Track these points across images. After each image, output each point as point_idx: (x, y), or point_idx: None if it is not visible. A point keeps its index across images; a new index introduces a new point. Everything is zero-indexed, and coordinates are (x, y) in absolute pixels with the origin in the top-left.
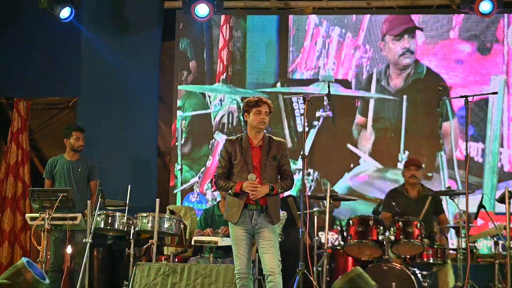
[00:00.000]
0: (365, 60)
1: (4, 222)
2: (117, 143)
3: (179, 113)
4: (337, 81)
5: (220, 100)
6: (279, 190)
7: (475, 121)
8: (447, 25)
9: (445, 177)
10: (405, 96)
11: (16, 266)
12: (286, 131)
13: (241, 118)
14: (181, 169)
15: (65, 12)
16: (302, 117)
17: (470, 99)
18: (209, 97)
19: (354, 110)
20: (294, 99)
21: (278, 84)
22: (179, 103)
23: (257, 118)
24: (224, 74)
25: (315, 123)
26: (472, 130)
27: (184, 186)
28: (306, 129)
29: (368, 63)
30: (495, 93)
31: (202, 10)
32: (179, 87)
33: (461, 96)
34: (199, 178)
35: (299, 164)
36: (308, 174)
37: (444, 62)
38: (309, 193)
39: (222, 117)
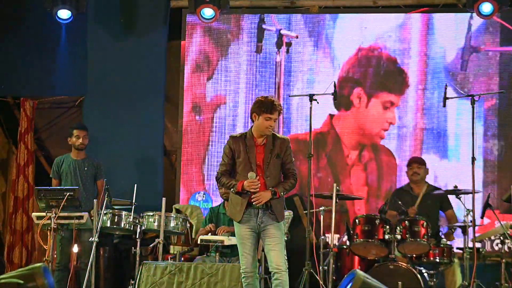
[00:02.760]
0: (377, 60)
1: (17, 223)
2: (123, 142)
3: (193, 115)
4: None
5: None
6: (282, 193)
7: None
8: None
9: None
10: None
11: (33, 269)
12: None
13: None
14: None
15: (63, 14)
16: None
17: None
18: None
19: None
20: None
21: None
22: (192, 105)
23: (266, 124)
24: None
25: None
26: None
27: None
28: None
29: (380, 62)
30: (502, 92)
31: (207, 12)
32: (190, 89)
33: (467, 95)
34: None
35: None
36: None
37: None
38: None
39: (235, 119)
